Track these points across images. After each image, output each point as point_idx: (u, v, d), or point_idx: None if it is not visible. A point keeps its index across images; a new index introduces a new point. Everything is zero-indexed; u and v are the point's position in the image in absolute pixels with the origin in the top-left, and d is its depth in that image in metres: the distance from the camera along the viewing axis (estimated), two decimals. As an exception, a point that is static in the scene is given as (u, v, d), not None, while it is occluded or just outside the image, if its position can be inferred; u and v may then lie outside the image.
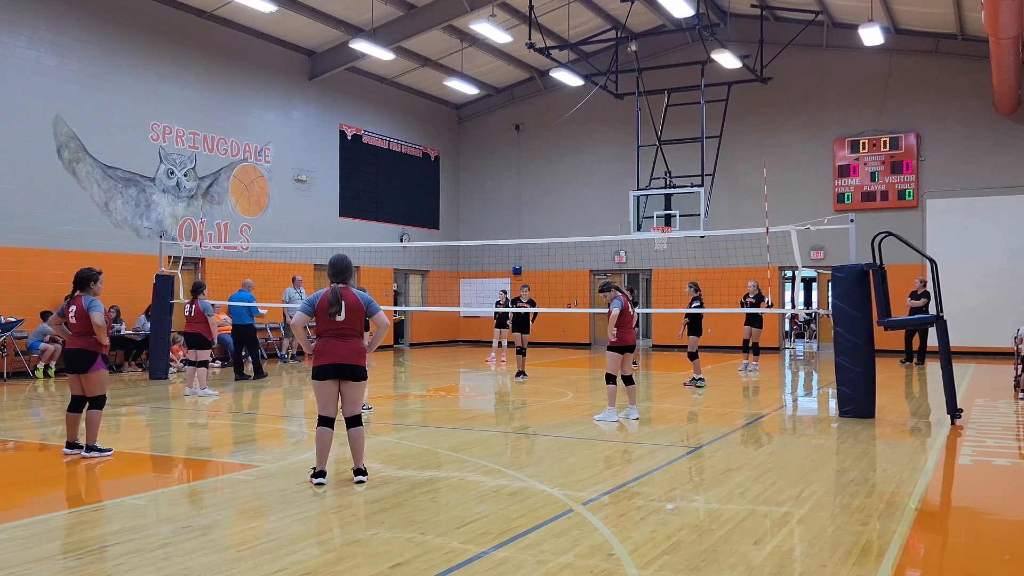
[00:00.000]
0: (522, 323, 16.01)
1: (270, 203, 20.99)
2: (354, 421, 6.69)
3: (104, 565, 4.71)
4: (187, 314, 13.20)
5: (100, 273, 8.17)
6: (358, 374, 6.65)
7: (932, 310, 18.50)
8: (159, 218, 18.28)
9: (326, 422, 6.63)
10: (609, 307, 10.13)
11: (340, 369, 6.58)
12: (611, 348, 10.25)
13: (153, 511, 6.05)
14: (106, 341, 7.89)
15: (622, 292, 10.26)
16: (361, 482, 6.62)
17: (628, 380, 10.41)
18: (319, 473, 6.61)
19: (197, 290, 13.23)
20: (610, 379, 10.23)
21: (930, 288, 10.76)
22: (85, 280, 7.97)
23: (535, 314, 16.21)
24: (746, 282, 17.24)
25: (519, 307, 16.06)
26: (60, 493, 6.84)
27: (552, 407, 11.67)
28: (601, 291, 10.32)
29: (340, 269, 6.77)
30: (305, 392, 13.54)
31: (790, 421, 11.08)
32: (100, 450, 7.87)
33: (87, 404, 7.95)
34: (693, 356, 14.15)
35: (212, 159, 19.51)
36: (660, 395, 13.25)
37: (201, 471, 7.64)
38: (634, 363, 18.49)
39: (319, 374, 6.61)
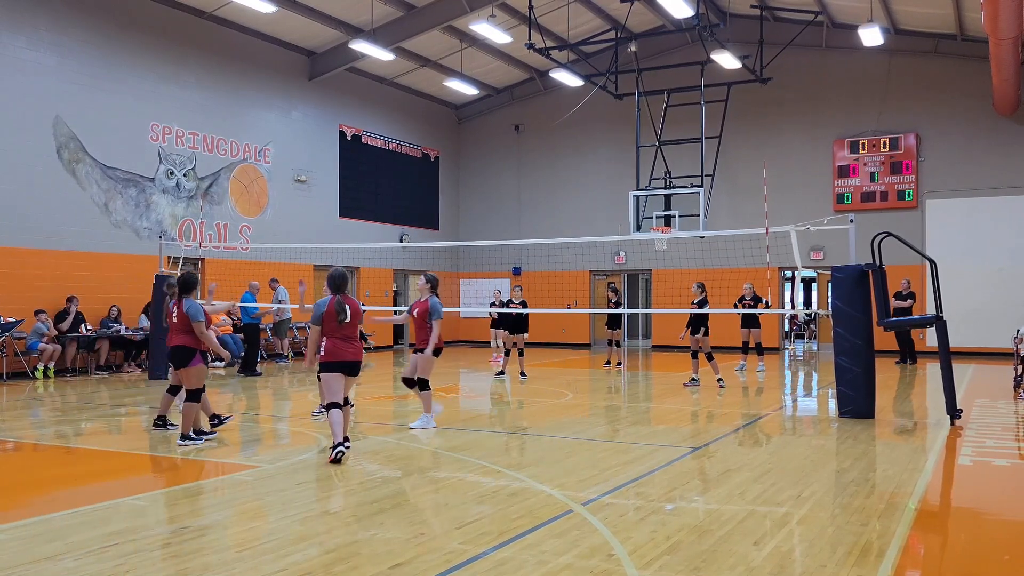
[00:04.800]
0: (519, 324, 15.93)
1: (270, 203, 20.99)
2: (345, 402, 7.92)
3: (104, 565, 4.71)
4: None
5: (198, 279, 9.11)
6: (357, 370, 7.96)
7: (925, 310, 18.54)
8: (159, 218, 18.28)
9: (336, 405, 7.73)
10: (430, 303, 9.37)
11: (350, 366, 7.83)
12: (436, 352, 9.51)
13: (153, 511, 6.05)
14: (211, 344, 8.74)
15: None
16: (348, 447, 7.66)
17: (424, 385, 9.62)
18: (338, 444, 7.52)
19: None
20: (427, 385, 9.55)
21: (930, 288, 10.75)
22: (190, 284, 8.79)
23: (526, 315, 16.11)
24: (743, 283, 17.30)
25: (511, 308, 15.99)
26: (60, 493, 6.83)
27: (552, 407, 11.67)
28: (427, 282, 9.58)
29: (342, 283, 7.92)
30: (297, 394, 13.54)
31: (790, 421, 11.08)
32: (193, 439, 8.49)
33: (185, 395, 8.61)
34: (710, 357, 14.13)
35: (212, 159, 19.51)
36: (660, 395, 13.25)
37: (201, 471, 7.64)
38: (619, 364, 18.42)
39: (332, 368, 7.76)
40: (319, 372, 7.89)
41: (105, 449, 8.63)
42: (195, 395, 8.56)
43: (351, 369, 7.86)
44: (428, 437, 9.00)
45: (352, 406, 10.45)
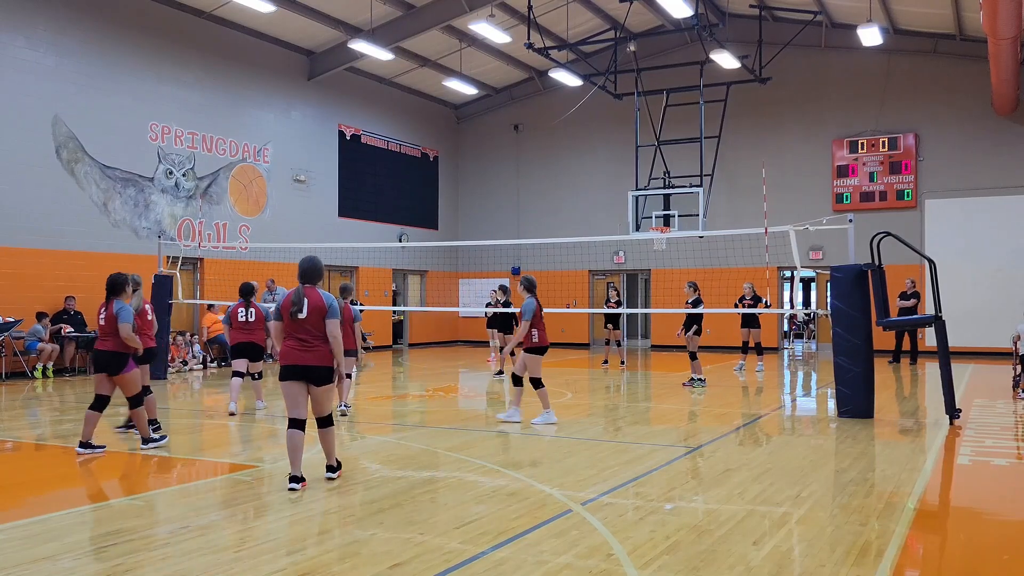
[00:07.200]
0: (504, 324, 15.96)
1: (269, 203, 20.98)
2: (324, 422, 6.67)
3: (103, 565, 4.71)
4: (243, 319, 10.98)
5: (128, 278, 8.26)
6: (321, 377, 6.52)
7: (927, 310, 18.57)
8: (158, 218, 18.26)
9: (295, 424, 6.53)
10: (522, 308, 9.86)
11: (304, 371, 6.49)
12: (531, 351, 9.80)
13: (151, 511, 6.05)
14: (137, 346, 8.08)
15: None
16: (331, 478, 6.71)
17: (518, 380, 10.05)
18: (293, 478, 6.44)
19: (248, 292, 11.07)
20: (520, 381, 9.96)
21: (928, 288, 10.75)
22: (118, 285, 8.09)
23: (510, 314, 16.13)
24: (742, 283, 17.31)
25: (497, 308, 16.03)
26: (59, 493, 6.83)
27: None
28: (525, 288, 10.01)
29: (308, 272, 6.65)
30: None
31: (789, 421, 11.08)
32: (156, 440, 8.30)
33: (129, 404, 8.19)
34: (693, 356, 14.12)
35: (211, 159, 19.50)
36: (659, 395, 13.25)
37: (200, 471, 7.64)
38: (622, 363, 18.45)
39: (285, 374, 6.54)
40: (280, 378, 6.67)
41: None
42: (138, 400, 8.15)
43: (308, 376, 6.48)
44: (428, 439, 9.00)
45: (345, 414, 10.45)
